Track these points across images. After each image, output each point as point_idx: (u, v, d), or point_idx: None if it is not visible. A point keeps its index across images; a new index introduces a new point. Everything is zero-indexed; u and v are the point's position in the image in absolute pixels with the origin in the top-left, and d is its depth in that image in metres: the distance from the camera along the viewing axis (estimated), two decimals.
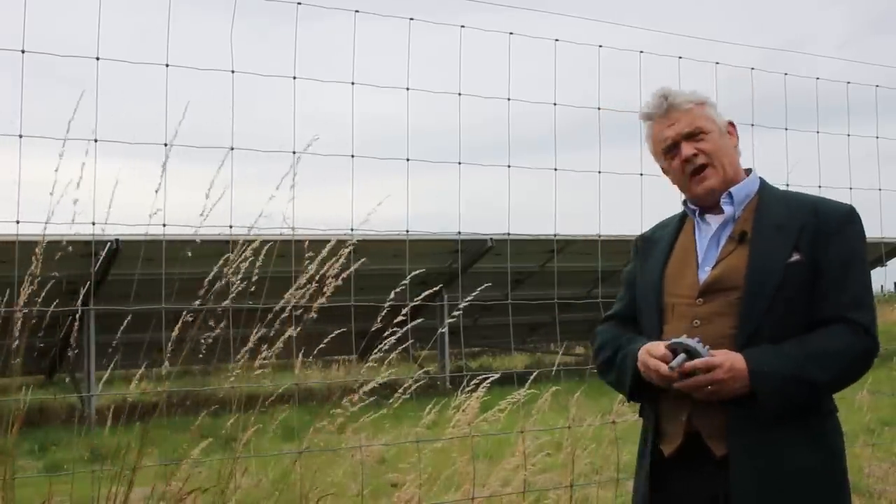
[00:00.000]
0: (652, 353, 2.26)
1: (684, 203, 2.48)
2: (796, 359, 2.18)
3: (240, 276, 3.68)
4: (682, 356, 2.18)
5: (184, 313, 3.67)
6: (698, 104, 2.41)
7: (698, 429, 2.27)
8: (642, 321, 2.47)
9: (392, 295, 3.93)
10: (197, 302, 3.61)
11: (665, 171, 2.52)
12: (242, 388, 3.87)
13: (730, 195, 2.38)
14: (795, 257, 2.25)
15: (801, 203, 2.36)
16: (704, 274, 2.33)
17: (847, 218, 2.31)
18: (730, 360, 2.16)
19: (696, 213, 2.44)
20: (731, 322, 2.25)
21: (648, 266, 2.48)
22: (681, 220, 2.51)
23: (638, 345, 2.36)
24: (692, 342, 2.19)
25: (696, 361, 2.16)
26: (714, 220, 2.40)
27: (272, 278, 3.70)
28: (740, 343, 2.22)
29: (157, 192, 3.43)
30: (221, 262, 3.67)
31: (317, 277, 3.77)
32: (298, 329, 3.74)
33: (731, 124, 2.48)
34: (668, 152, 2.43)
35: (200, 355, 3.69)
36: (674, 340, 2.23)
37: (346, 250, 3.81)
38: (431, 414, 4.27)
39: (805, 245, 2.26)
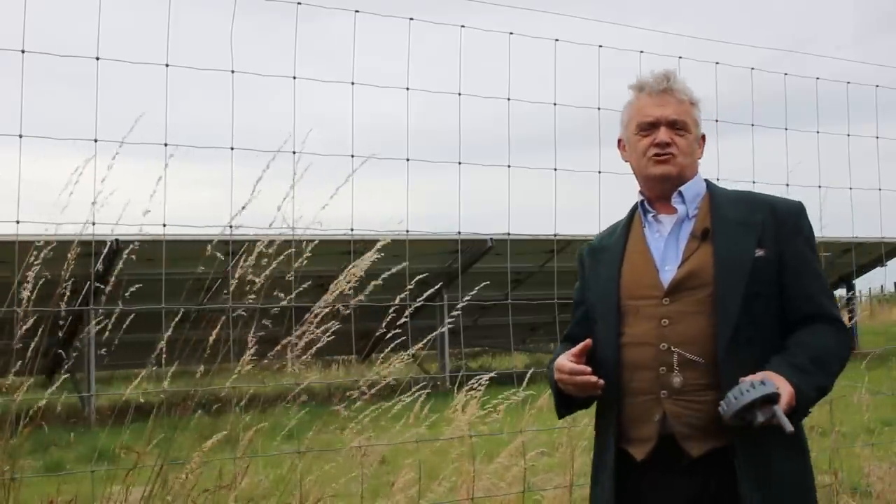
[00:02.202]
0: (565, 370, 2.26)
1: (641, 204, 2.43)
2: (811, 370, 2.18)
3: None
4: (768, 414, 2.02)
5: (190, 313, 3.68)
6: (691, 102, 2.40)
7: (672, 431, 2.23)
8: (597, 328, 2.39)
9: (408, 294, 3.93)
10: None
11: (624, 148, 2.48)
12: (243, 389, 3.88)
13: (680, 194, 2.36)
14: (760, 252, 2.26)
15: (756, 201, 2.38)
16: (667, 273, 2.30)
17: (802, 214, 2.36)
18: (786, 387, 2.09)
19: (651, 214, 2.40)
20: (704, 320, 2.23)
21: (601, 272, 2.44)
22: (627, 225, 2.48)
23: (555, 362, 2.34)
24: (749, 391, 2.03)
25: (776, 409, 2.03)
26: (668, 220, 2.38)
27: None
28: (724, 341, 2.20)
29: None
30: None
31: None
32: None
33: (703, 138, 2.47)
34: (643, 129, 2.37)
35: (206, 354, 3.69)
36: (731, 396, 2.06)
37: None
38: (428, 413, 4.26)
39: (768, 241, 2.28)
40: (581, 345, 2.28)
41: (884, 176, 5.23)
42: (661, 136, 2.33)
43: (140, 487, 3.52)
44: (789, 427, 2.03)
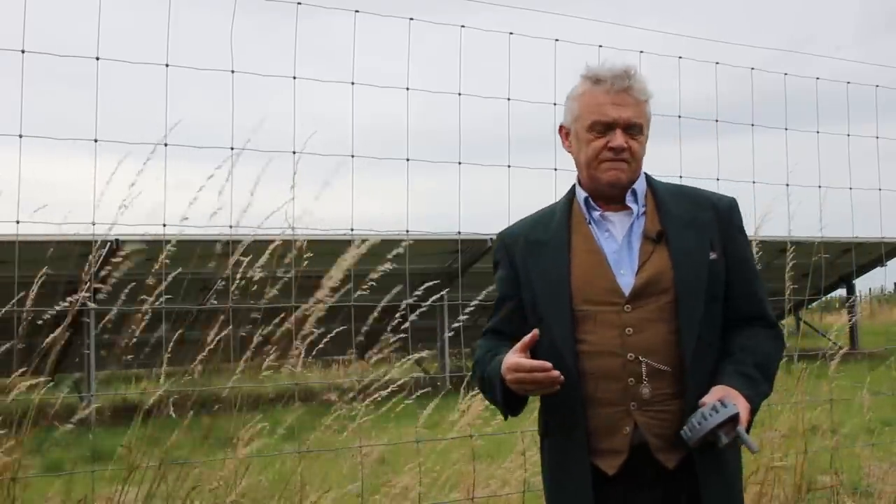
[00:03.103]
0: (524, 368, 2.08)
1: (585, 200, 2.30)
2: (758, 378, 2.19)
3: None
4: (731, 435, 2.02)
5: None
6: (646, 101, 2.28)
7: (645, 441, 2.17)
8: (544, 330, 2.20)
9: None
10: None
11: (567, 137, 2.35)
12: (242, 389, 3.88)
13: (633, 192, 2.27)
14: (713, 255, 2.23)
15: (697, 197, 2.33)
16: (624, 278, 2.20)
17: (737, 211, 2.33)
18: (743, 403, 2.08)
19: (598, 212, 2.28)
20: (666, 327, 2.17)
21: (545, 270, 2.27)
22: (567, 217, 2.32)
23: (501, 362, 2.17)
24: (712, 415, 2.01)
25: (740, 430, 2.04)
26: (617, 219, 2.27)
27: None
28: (689, 348, 2.16)
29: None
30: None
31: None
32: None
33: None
34: (598, 129, 2.23)
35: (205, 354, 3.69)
36: (694, 422, 2.04)
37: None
38: (431, 414, 4.26)
39: (717, 242, 2.25)
40: (528, 337, 2.11)
41: (884, 176, 5.24)
42: (618, 141, 2.21)
43: (140, 487, 3.52)
44: (755, 448, 2.04)
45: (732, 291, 2.26)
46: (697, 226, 2.25)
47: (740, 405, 2.06)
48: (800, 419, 4.66)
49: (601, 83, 2.24)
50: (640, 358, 2.16)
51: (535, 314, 2.27)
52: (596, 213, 2.29)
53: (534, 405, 2.34)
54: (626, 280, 2.20)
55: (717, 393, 2.09)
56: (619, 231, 2.26)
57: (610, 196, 2.28)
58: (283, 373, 3.92)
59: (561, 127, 2.39)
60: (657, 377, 2.17)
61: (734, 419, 2.02)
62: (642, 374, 2.16)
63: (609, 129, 2.22)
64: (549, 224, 2.34)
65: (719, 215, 2.28)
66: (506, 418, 2.39)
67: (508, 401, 2.24)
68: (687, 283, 2.18)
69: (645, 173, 2.34)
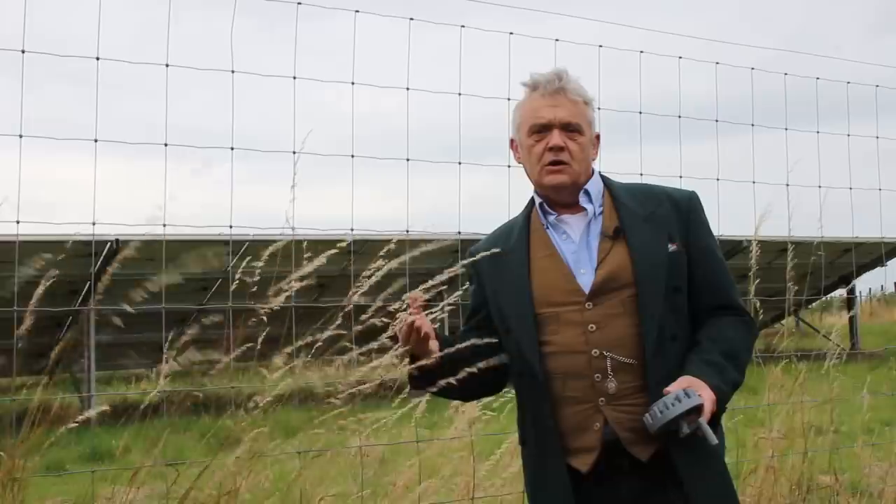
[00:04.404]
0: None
1: (541, 206, 2.35)
2: (725, 366, 2.19)
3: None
4: (693, 425, 2.04)
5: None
6: (585, 102, 2.33)
7: (618, 436, 2.19)
8: (511, 338, 2.30)
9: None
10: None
11: (517, 149, 2.41)
12: (242, 389, 3.88)
13: (587, 193, 2.31)
14: (672, 247, 2.25)
15: (654, 193, 2.35)
16: (584, 277, 2.24)
17: (697, 203, 2.35)
18: (707, 393, 2.09)
19: (553, 217, 2.32)
20: (629, 321, 2.20)
21: (508, 279, 2.33)
22: (526, 227, 2.38)
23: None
24: (675, 404, 2.03)
25: (701, 422, 2.04)
26: (574, 220, 2.32)
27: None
28: (652, 341, 2.18)
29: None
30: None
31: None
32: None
33: (598, 137, 2.40)
34: (536, 132, 2.30)
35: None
36: (656, 409, 2.06)
37: None
38: (430, 414, 4.26)
39: (676, 235, 2.26)
40: (413, 302, 2.21)
41: (884, 176, 5.23)
42: (555, 140, 2.26)
43: (140, 488, 3.52)
44: (714, 440, 2.04)
45: (696, 283, 2.27)
46: (655, 220, 2.28)
47: (705, 396, 2.07)
48: (800, 419, 4.66)
49: (537, 89, 2.33)
50: (604, 353, 2.19)
51: (503, 324, 2.33)
52: (552, 217, 2.33)
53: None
54: (586, 279, 2.24)
55: (682, 382, 2.10)
56: (576, 232, 2.30)
57: (560, 200, 2.32)
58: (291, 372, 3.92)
59: (511, 141, 2.44)
60: (622, 371, 2.19)
61: (697, 409, 2.04)
62: (608, 370, 2.19)
63: (546, 129, 2.29)
64: (510, 235, 2.40)
65: (677, 207, 2.31)
66: (412, 388, 2.41)
67: (415, 368, 2.28)
68: (647, 276, 2.21)
69: (601, 174, 2.39)
